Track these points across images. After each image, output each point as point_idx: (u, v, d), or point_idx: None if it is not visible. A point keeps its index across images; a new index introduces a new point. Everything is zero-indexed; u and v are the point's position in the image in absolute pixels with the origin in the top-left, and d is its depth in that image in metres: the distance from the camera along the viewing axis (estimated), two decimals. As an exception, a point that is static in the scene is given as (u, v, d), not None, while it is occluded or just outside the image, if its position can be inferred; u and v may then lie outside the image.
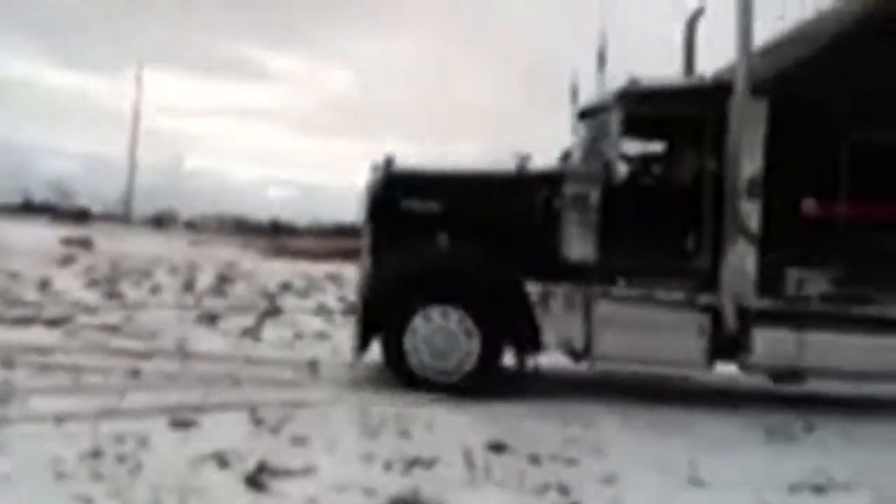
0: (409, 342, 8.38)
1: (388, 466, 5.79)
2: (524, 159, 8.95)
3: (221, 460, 5.59)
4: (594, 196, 8.50)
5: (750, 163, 8.30)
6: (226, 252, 28.45)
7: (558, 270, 8.54)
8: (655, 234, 8.55)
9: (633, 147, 9.18)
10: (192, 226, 52.81)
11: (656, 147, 9.48)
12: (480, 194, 8.96)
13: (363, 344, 8.60)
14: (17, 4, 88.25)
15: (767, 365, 8.60)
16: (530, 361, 8.80)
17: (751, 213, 8.34)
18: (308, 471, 5.54)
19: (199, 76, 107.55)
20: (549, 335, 8.54)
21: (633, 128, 8.76)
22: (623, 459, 6.37)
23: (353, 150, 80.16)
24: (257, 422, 6.70)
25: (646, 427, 7.53)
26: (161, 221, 52.55)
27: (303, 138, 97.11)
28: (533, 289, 8.51)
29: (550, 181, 8.73)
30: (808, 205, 8.43)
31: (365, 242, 8.92)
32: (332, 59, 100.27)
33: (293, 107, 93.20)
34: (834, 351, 8.39)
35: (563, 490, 5.50)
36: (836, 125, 8.40)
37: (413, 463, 5.88)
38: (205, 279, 17.59)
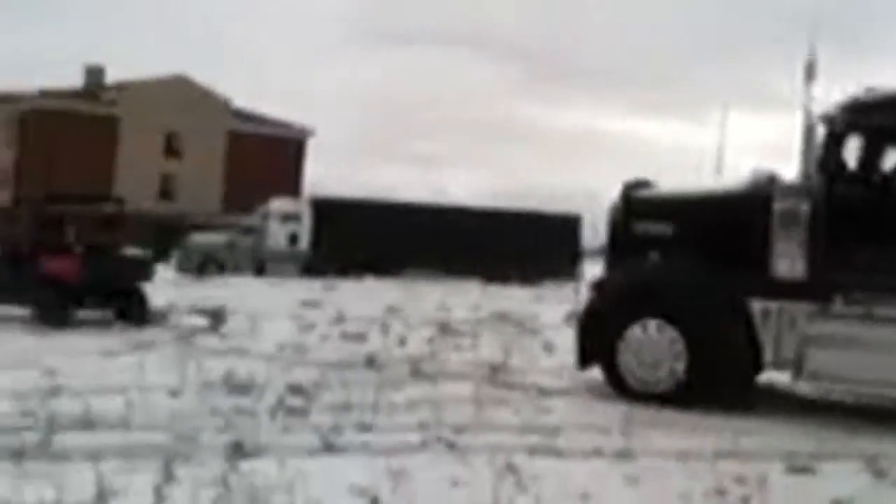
0: (621, 353, 8.81)
1: None
2: (761, 177, 8.81)
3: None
4: (804, 211, 8.29)
5: None
6: None
7: (776, 288, 8.42)
8: (874, 249, 8.21)
9: (854, 159, 8.65)
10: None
11: (876, 159, 8.71)
12: (703, 215, 9.27)
13: (584, 356, 9.13)
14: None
15: None
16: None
17: None
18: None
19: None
20: (766, 353, 8.46)
21: (856, 138, 8.48)
22: None
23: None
24: (877, 473, 6.48)
25: None
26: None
27: None
28: (756, 306, 8.44)
29: (768, 198, 8.56)
30: None
31: (603, 264, 9.62)
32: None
33: None
34: None
35: None
36: None
37: None
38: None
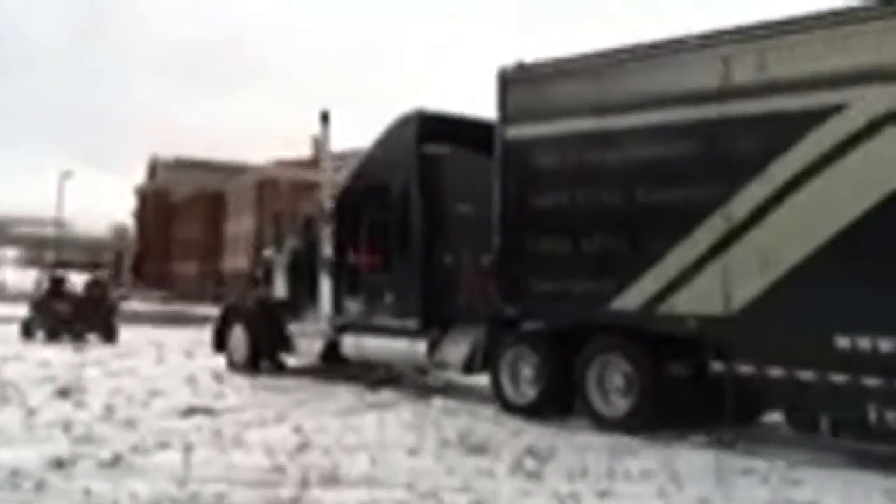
0: (228, 343, 15.35)
1: None
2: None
3: None
4: (283, 262, 14.95)
5: (330, 240, 13.82)
6: None
7: (276, 304, 15.04)
8: (308, 281, 14.21)
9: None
10: None
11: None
12: (261, 266, 16.00)
13: (217, 344, 15.60)
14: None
15: (350, 357, 13.79)
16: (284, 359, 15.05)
17: (331, 267, 13.74)
18: None
19: None
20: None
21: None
22: None
23: None
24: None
25: None
26: None
27: None
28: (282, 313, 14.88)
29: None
30: (351, 258, 13.50)
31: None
32: None
33: None
34: (369, 346, 13.27)
35: None
36: (359, 213, 13.47)
37: None
38: None
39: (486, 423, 10.30)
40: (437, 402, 11.70)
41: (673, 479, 7.61)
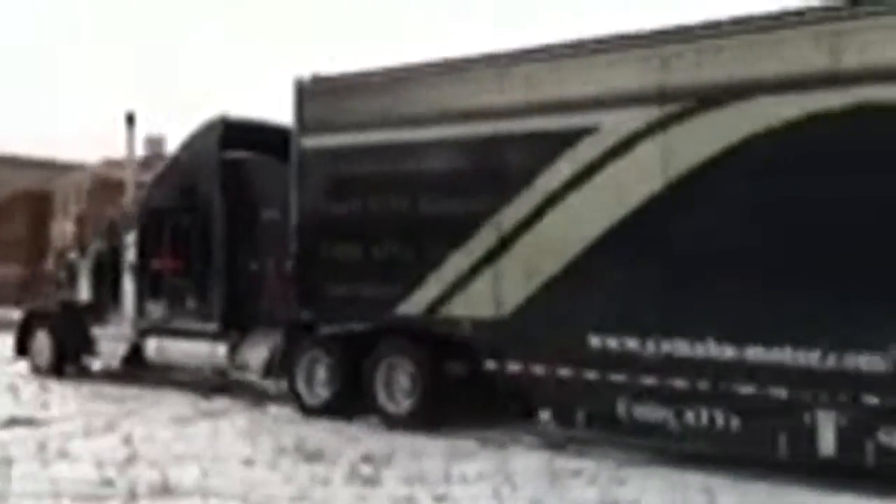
0: (31, 346, 14.89)
1: None
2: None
3: None
4: (87, 265, 14.78)
5: (134, 244, 13.82)
6: None
7: (81, 307, 14.71)
8: (115, 283, 14.13)
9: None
10: None
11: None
12: (67, 273, 15.52)
13: (19, 349, 15.08)
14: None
15: (153, 360, 13.60)
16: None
17: (134, 271, 13.79)
18: None
19: None
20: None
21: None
22: None
23: None
24: None
25: None
26: None
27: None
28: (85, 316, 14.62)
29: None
30: (154, 262, 13.49)
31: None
32: None
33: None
34: (171, 350, 13.23)
35: None
36: (162, 218, 13.40)
37: None
38: None
39: (322, 430, 10.21)
40: (273, 409, 11.58)
41: (507, 481, 7.78)
